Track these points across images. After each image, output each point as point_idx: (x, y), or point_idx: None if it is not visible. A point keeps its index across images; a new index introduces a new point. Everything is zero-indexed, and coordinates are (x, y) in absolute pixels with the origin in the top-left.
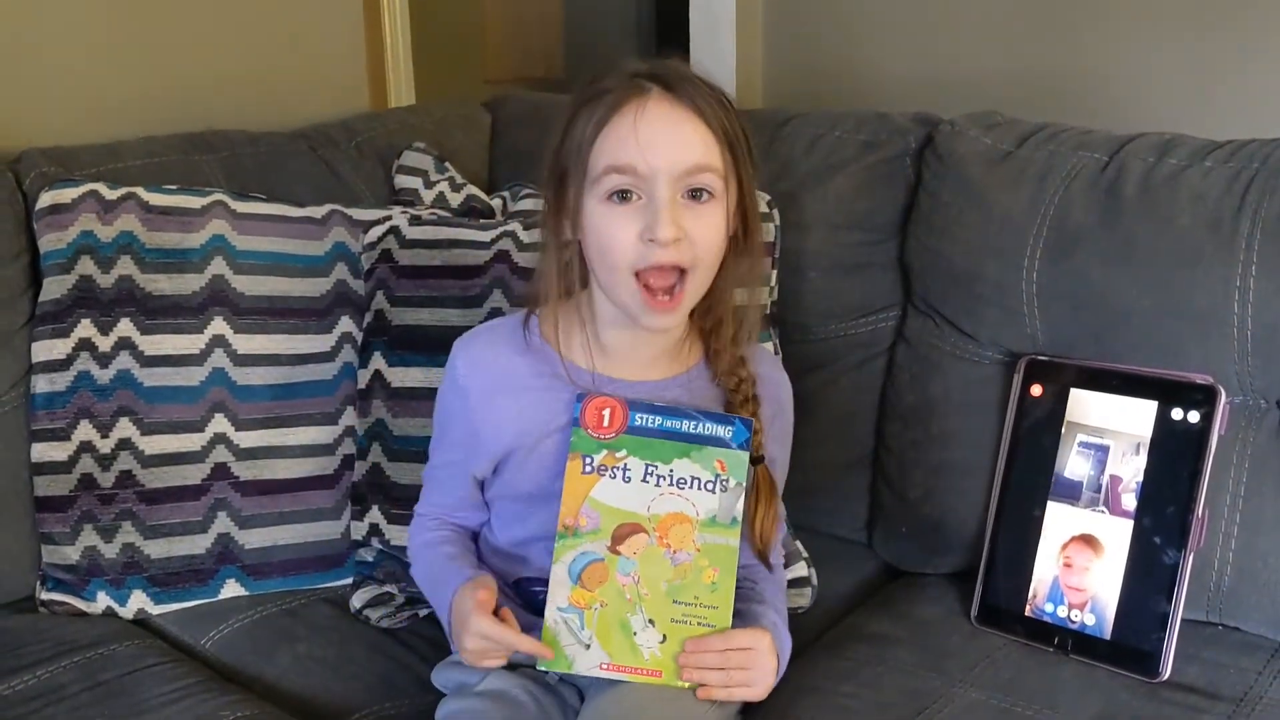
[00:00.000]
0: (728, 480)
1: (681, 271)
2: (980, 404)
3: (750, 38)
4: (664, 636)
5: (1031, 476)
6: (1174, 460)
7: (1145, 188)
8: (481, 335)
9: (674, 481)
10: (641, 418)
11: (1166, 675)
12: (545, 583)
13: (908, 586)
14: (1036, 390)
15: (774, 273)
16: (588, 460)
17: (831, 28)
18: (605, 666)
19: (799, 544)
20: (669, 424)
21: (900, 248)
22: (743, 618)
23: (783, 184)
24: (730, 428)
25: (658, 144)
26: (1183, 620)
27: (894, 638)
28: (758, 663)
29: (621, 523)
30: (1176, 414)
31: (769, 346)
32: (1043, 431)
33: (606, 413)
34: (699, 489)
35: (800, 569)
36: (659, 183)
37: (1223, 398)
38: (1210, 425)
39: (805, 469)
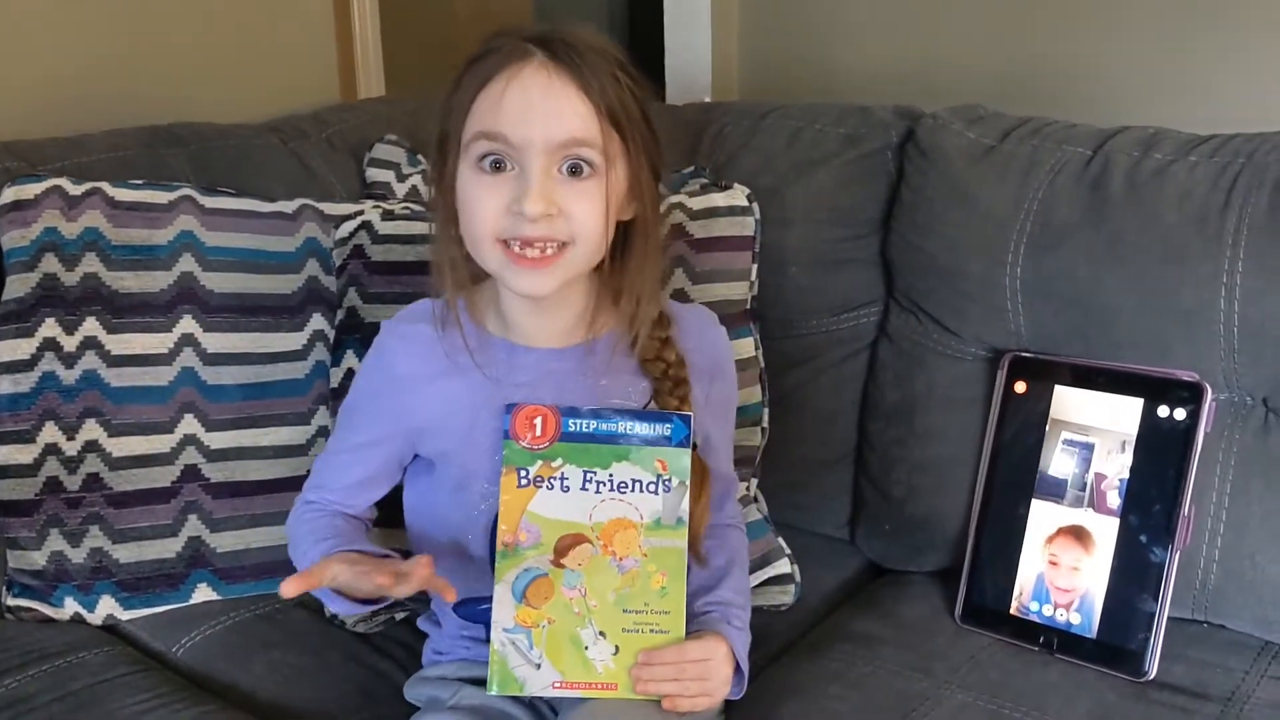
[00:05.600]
0: (670, 480)
1: (561, 244)
2: (964, 401)
3: (726, 28)
4: (616, 648)
5: (1016, 474)
6: (1160, 458)
7: (1131, 183)
8: (404, 319)
9: (614, 486)
10: (575, 423)
11: (1153, 675)
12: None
13: (892, 585)
14: (1020, 387)
15: (754, 267)
16: (523, 473)
17: (808, 19)
18: (558, 685)
19: (781, 541)
20: (604, 427)
21: (882, 243)
22: (700, 622)
23: (763, 178)
24: (668, 425)
25: (530, 114)
26: (1169, 619)
27: (879, 637)
28: (715, 673)
29: (563, 534)
30: (1162, 411)
31: (750, 341)
32: (1027, 429)
33: (538, 421)
34: (641, 491)
35: (783, 566)
36: (530, 154)
37: (1209, 395)
38: (1196, 423)
39: (787, 466)
